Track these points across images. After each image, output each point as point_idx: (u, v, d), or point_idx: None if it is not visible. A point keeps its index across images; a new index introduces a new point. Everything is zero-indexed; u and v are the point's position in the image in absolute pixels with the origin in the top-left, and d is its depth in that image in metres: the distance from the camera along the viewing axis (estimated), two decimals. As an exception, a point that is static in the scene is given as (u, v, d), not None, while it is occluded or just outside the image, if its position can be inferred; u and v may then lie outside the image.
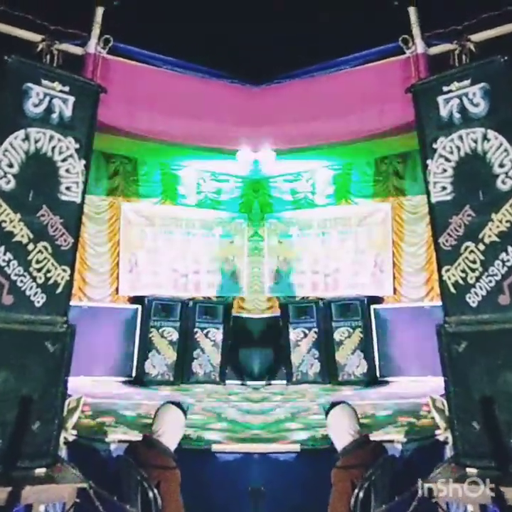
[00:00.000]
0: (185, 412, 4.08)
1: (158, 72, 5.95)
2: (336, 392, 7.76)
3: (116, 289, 9.01)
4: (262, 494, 3.93)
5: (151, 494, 3.49)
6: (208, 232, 9.54)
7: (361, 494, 3.50)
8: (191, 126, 6.39)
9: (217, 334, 8.90)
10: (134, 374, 8.51)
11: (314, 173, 9.43)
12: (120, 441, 4.74)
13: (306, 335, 8.85)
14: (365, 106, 5.98)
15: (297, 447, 4.86)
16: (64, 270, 4.16)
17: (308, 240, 9.46)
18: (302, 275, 9.46)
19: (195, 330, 8.86)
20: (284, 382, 8.66)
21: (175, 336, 8.70)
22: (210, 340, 8.85)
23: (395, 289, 8.94)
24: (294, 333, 8.88)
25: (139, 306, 8.82)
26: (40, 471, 3.87)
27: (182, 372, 8.63)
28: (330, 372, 8.60)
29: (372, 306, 8.74)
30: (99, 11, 5.20)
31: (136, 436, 4.67)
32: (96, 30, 5.24)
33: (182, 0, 6.03)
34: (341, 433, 3.86)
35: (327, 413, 4.04)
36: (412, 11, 5.31)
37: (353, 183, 9.31)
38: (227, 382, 8.65)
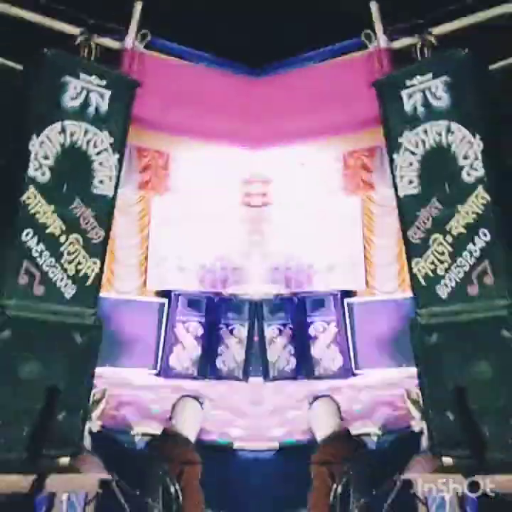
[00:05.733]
0: (201, 405, 4.12)
1: (195, 68, 5.94)
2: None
3: (144, 282, 9.06)
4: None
5: (172, 489, 3.52)
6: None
7: (340, 489, 3.53)
8: (221, 123, 6.37)
9: (242, 331, 8.90)
10: (158, 367, 8.57)
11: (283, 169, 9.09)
12: (143, 434, 4.78)
13: (281, 332, 8.77)
14: (332, 101, 5.91)
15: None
16: (94, 263, 4.22)
17: (280, 236, 9.24)
18: (276, 271, 9.31)
19: (220, 326, 8.89)
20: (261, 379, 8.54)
21: (200, 331, 8.73)
22: (235, 337, 8.85)
23: (367, 282, 8.90)
24: (269, 331, 8.78)
25: (166, 300, 8.87)
26: (65, 460, 3.93)
27: (206, 368, 8.66)
28: (306, 368, 8.53)
29: (346, 300, 8.74)
30: (138, 6, 5.22)
31: (159, 429, 4.69)
32: (134, 25, 5.26)
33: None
34: (322, 425, 3.92)
35: (310, 406, 4.10)
36: (374, 5, 5.28)
37: (322, 178, 9.11)
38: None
